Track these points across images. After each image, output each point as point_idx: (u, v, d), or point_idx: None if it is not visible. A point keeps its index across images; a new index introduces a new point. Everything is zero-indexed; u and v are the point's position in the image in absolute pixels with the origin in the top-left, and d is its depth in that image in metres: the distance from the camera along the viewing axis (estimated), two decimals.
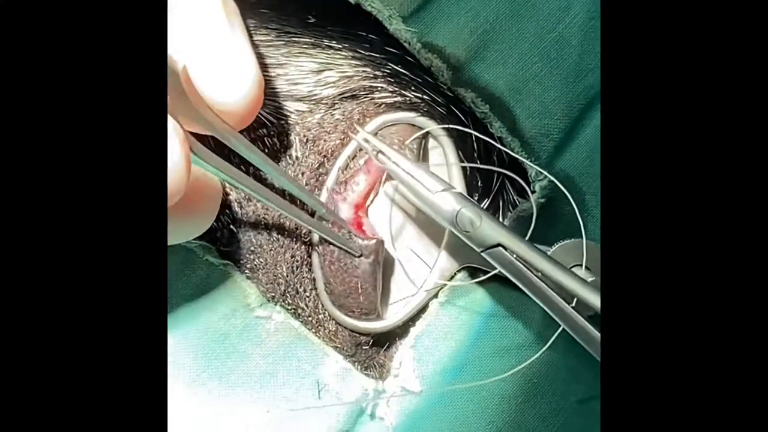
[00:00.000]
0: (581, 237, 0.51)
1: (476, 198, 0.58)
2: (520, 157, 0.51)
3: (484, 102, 0.51)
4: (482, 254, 0.49)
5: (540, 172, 0.51)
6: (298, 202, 0.55)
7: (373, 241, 0.55)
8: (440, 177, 0.51)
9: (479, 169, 0.57)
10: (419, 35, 0.49)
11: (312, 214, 0.55)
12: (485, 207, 0.58)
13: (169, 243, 0.47)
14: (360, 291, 0.56)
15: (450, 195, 0.50)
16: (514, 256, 0.48)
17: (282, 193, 0.55)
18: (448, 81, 0.51)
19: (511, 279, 0.49)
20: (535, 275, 0.48)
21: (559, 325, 0.48)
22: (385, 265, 0.58)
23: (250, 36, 0.53)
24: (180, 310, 0.54)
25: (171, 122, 0.39)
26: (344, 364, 0.56)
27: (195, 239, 0.53)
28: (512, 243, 0.48)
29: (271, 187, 0.55)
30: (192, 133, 0.43)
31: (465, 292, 0.56)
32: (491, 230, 0.49)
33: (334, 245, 0.55)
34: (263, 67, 0.53)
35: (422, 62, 0.50)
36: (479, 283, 0.55)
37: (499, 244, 0.48)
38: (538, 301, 0.48)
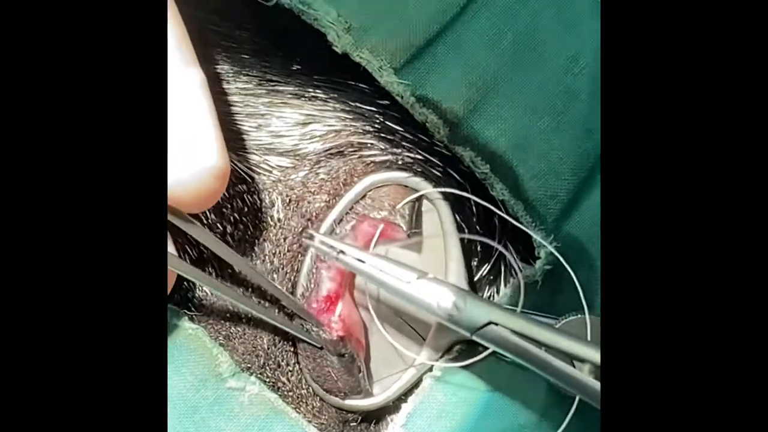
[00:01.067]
0: (590, 309, 0.47)
1: (475, 264, 0.54)
2: (523, 225, 0.47)
3: (484, 161, 0.46)
4: (473, 337, 0.46)
5: (544, 239, 0.47)
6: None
7: (335, 337, 0.51)
8: (410, 266, 0.47)
9: (479, 231, 0.53)
10: (413, 88, 0.45)
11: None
12: (485, 273, 0.54)
13: None
14: (336, 378, 0.52)
15: (426, 282, 0.46)
16: (509, 331, 0.44)
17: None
18: (445, 138, 0.46)
19: (508, 356, 0.45)
20: (534, 346, 0.44)
21: (569, 406, 0.45)
22: (376, 338, 0.54)
23: (227, 83, 0.50)
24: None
25: None
26: None
27: None
28: (504, 319, 0.45)
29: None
30: None
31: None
32: (478, 310, 0.45)
33: (292, 333, 0.52)
34: (243, 118, 0.50)
35: (416, 117, 0.46)
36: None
37: (490, 322, 0.45)
38: (541, 373, 0.44)
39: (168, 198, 0.41)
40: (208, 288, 0.48)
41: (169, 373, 0.49)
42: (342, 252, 0.48)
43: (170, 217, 0.43)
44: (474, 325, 0.45)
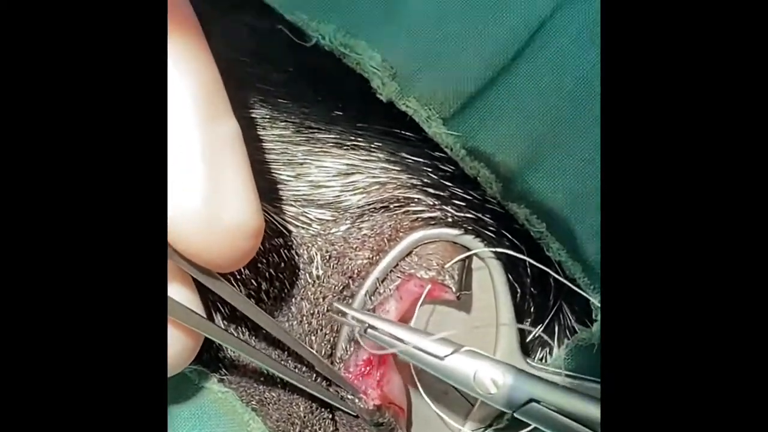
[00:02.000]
0: None
1: (528, 323, 0.51)
2: (580, 288, 0.44)
3: (540, 219, 0.43)
4: (515, 415, 0.43)
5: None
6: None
7: (371, 406, 0.49)
8: (448, 339, 0.45)
9: (532, 293, 0.50)
10: (463, 140, 0.42)
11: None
12: (538, 334, 0.51)
13: None
14: None
15: (461, 356, 0.44)
16: (553, 409, 0.42)
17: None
18: (498, 194, 0.43)
19: None
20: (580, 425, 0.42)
21: None
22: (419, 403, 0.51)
23: (262, 130, 0.47)
24: None
25: None
26: None
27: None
28: (546, 395, 0.42)
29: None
30: None
31: None
32: (519, 386, 0.43)
33: (326, 401, 0.49)
34: (279, 167, 0.48)
35: (467, 171, 0.43)
36: None
37: (531, 400, 0.42)
38: None
39: (198, 258, 0.39)
40: (238, 351, 0.45)
41: None
42: (370, 327, 0.46)
43: (199, 277, 0.41)
44: (515, 402, 0.43)
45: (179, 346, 0.42)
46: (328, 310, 0.49)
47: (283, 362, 0.48)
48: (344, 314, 0.48)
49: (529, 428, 0.46)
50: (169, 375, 0.43)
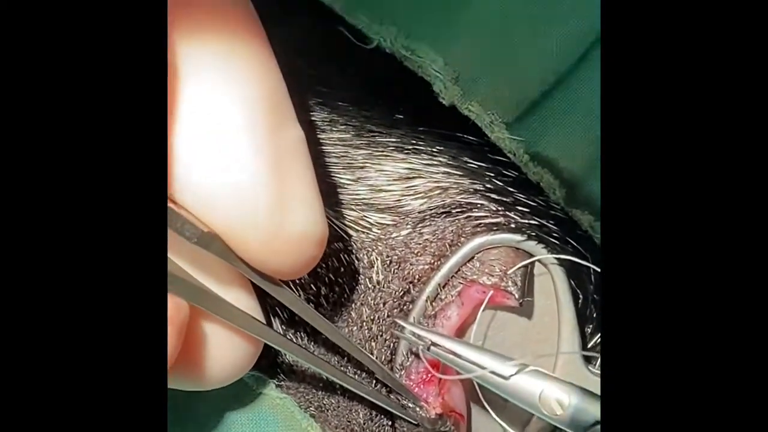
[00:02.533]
0: None
1: (590, 331, 0.50)
2: None
3: None
4: None
5: None
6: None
7: (433, 414, 0.48)
8: (508, 357, 0.45)
9: (595, 299, 0.49)
10: (527, 145, 0.41)
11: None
12: (599, 342, 0.50)
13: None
14: None
15: (526, 376, 0.44)
16: None
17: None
18: (561, 200, 0.43)
19: None
20: None
21: None
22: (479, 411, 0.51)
23: (322, 133, 0.47)
24: None
25: None
26: None
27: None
28: None
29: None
30: None
31: None
32: (586, 407, 0.42)
33: (387, 408, 0.49)
34: (338, 170, 0.47)
35: (530, 177, 0.42)
36: None
37: (598, 422, 0.42)
38: None
39: (263, 266, 0.39)
40: (297, 358, 0.45)
41: None
42: (433, 344, 0.46)
43: (259, 282, 0.41)
44: (581, 425, 0.42)
45: (240, 353, 0.42)
46: (388, 316, 0.49)
47: (342, 368, 0.48)
48: (403, 329, 0.48)
49: None
50: (229, 382, 0.43)
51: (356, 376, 0.48)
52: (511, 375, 0.43)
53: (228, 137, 0.36)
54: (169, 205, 0.35)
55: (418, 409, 0.48)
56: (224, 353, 0.42)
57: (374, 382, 0.49)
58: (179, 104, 0.35)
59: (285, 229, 0.38)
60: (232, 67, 0.37)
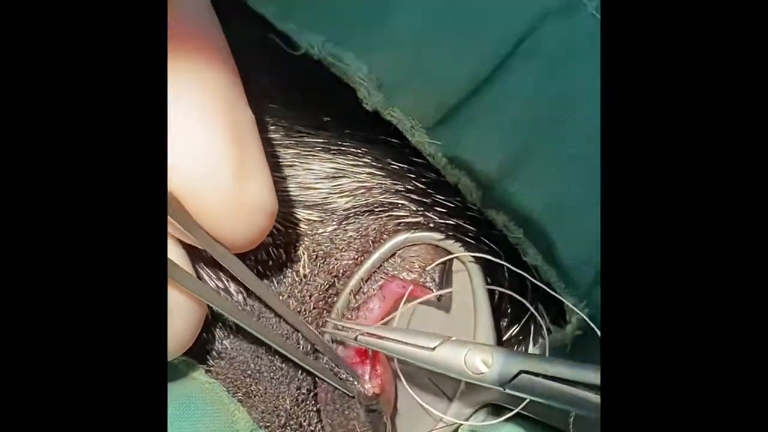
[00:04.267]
0: None
1: (505, 324, 0.52)
2: (555, 292, 0.45)
3: (518, 226, 0.44)
4: (506, 390, 0.44)
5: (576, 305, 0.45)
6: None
7: (371, 392, 0.50)
8: (431, 333, 0.47)
9: (509, 295, 0.51)
10: (445, 149, 0.43)
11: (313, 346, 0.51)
12: (514, 334, 0.53)
13: None
14: None
15: (450, 345, 0.45)
16: (543, 376, 0.43)
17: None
18: (477, 201, 0.44)
19: (546, 403, 0.43)
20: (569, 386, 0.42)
21: None
22: (398, 398, 0.53)
23: None
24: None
25: None
26: None
27: None
28: (537, 365, 0.43)
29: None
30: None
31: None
32: (509, 360, 0.44)
33: (327, 382, 0.50)
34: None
35: (448, 179, 0.44)
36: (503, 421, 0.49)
37: (521, 372, 0.43)
38: (580, 412, 0.43)
39: (222, 233, 0.41)
40: (250, 329, 0.46)
41: (183, 426, 0.48)
42: (360, 333, 0.47)
43: (212, 249, 0.42)
44: (505, 377, 0.43)
45: (190, 324, 0.44)
46: (313, 308, 0.50)
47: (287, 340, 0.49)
48: (337, 327, 0.49)
49: (502, 418, 0.48)
50: (178, 354, 0.45)
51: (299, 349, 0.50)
52: (436, 345, 0.45)
53: (194, 111, 0.39)
54: None
55: (356, 383, 0.50)
56: (177, 323, 0.43)
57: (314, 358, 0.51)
58: None
59: (244, 196, 0.40)
60: (195, 53, 0.39)
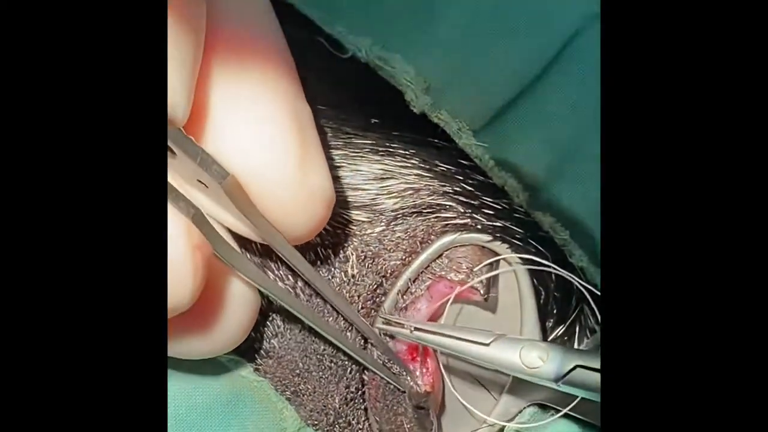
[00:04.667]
0: None
1: (550, 325, 0.52)
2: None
3: (564, 227, 0.45)
4: (560, 386, 0.44)
5: None
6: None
7: (423, 390, 0.50)
8: (485, 330, 0.47)
9: (555, 296, 0.51)
10: (492, 151, 0.43)
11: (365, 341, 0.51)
12: (560, 333, 0.53)
13: (186, 357, 0.45)
14: (408, 430, 0.51)
15: (504, 341, 0.45)
16: (596, 371, 0.43)
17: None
18: (524, 203, 0.45)
19: (597, 401, 0.43)
20: None
21: None
22: (445, 396, 0.53)
23: None
24: (203, 422, 0.48)
25: (185, 232, 0.37)
26: None
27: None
28: (593, 360, 0.43)
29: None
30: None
31: None
32: (564, 356, 0.44)
33: (380, 376, 0.51)
34: None
35: (495, 181, 0.44)
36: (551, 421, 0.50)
37: (576, 366, 0.43)
38: None
39: (283, 220, 0.42)
40: (306, 319, 0.47)
41: (232, 423, 0.48)
42: (416, 328, 0.47)
43: (274, 244, 0.43)
44: (561, 372, 0.43)
45: (246, 315, 0.45)
46: (362, 308, 0.51)
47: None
48: (390, 322, 0.50)
49: (547, 420, 0.49)
50: (226, 351, 0.45)
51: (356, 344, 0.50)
52: (491, 341, 0.45)
53: (259, 100, 0.40)
54: (201, 146, 0.37)
55: (409, 380, 0.50)
56: (233, 312, 0.44)
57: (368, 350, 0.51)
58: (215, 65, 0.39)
59: (306, 184, 0.41)
60: (259, 50, 0.41)
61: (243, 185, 0.39)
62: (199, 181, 0.39)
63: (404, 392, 0.51)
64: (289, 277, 0.49)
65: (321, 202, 0.42)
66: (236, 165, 0.38)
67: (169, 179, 0.37)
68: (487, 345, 0.45)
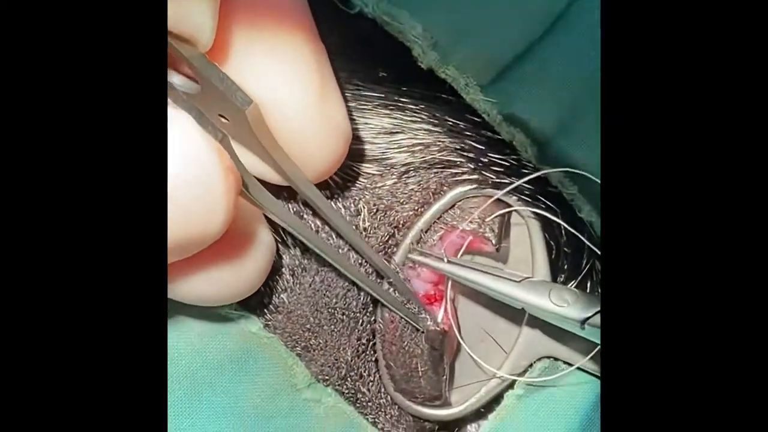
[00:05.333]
0: None
1: (562, 280, 0.52)
2: None
3: (573, 182, 0.45)
4: (584, 328, 0.44)
5: None
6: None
7: (438, 329, 0.51)
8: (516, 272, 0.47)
9: (566, 251, 0.51)
10: (499, 106, 0.43)
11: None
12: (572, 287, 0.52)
13: (203, 303, 0.45)
14: (421, 374, 0.51)
15: (533, 281, 0.46)
16: None
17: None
18: (533, 158, 0.45)
19: None
20: None
21: None
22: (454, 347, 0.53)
23: None
24: (214, 379, 0.49)
25: (217, 152, 0.36)
26: None
27: (236, 308, 0.49)
28: None
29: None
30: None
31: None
32: (589, 300, 0.44)
33: (399, 315, 0.51)
34: None
35: (503, 136, 0.44)
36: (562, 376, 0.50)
37: (599, 312, 0.44)
38: None
39: (299, 151, 0.42)
40: (327, 257, 0.47)
41: (243, 381, 0.49)
42: (450, 261, 0.48)
43: (293, 180, 0.44)
44: (585, 313, 0.44)
45: (262, 260, 0.45)
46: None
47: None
48: (423, 253, 0.50)
49: (559, 374, 0.49)
50: (247, 294, 0.46)
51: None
52: (523, 278, 0.46)
53: (280, 37, 0.40)
54: (225, 72, 0.37)
55: (427, 318, 0.51)
56: (252, 254, 0.44)
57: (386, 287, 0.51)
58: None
59: (326, 117, 0.42)
60: None
61: (266, 117, 0.39)
62: (221, 116, 0.39)
63: (421, 332, 0.51)
64: (304, 216, 0.50)
65: (341, 136, 0.43)
66: (259, 99, 0.38)
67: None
68: (518, 282, 0.46)
